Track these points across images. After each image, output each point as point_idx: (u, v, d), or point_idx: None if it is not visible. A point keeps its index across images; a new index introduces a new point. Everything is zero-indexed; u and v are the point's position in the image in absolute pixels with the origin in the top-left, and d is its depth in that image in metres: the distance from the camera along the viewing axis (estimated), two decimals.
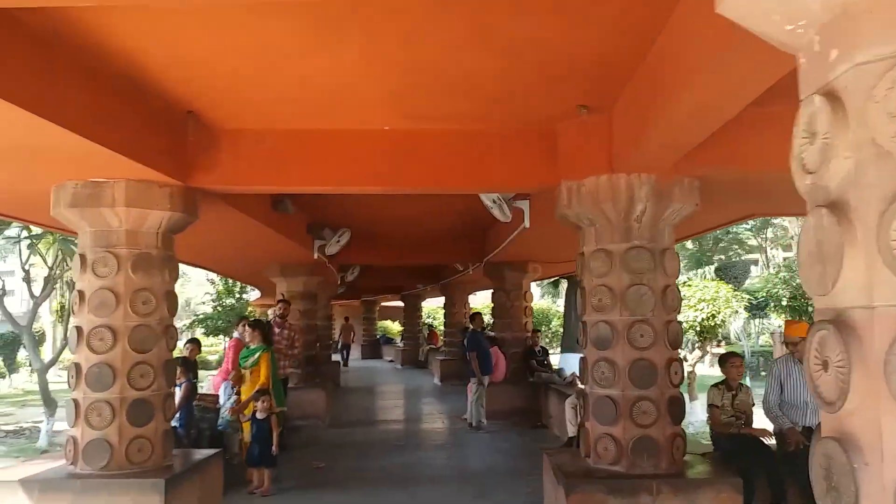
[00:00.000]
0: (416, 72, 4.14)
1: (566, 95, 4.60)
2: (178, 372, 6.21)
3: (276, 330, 8.84)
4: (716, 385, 5.66)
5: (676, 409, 4.89)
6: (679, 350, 5.00)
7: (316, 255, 10.31)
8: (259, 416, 6.38)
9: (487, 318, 15.74)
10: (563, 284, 21.63)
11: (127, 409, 4.90)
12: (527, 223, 7.04)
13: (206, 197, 5.48)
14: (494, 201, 6.98)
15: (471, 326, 11.14)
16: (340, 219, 10.03)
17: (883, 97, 1.42)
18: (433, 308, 34.01)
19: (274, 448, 6.35)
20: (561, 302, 26.14)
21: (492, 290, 12.11)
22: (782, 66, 2.71)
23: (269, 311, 19.20)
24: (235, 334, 8.30)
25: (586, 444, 5.03)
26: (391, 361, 27.16)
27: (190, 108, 4.76)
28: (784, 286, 16.28)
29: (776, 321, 19.55)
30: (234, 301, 21.63)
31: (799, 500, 5.00)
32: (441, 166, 5.20)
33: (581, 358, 5.24)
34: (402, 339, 27.05)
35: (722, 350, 15.84)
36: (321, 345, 14.97)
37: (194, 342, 7.69)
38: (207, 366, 23.13)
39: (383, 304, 33.51)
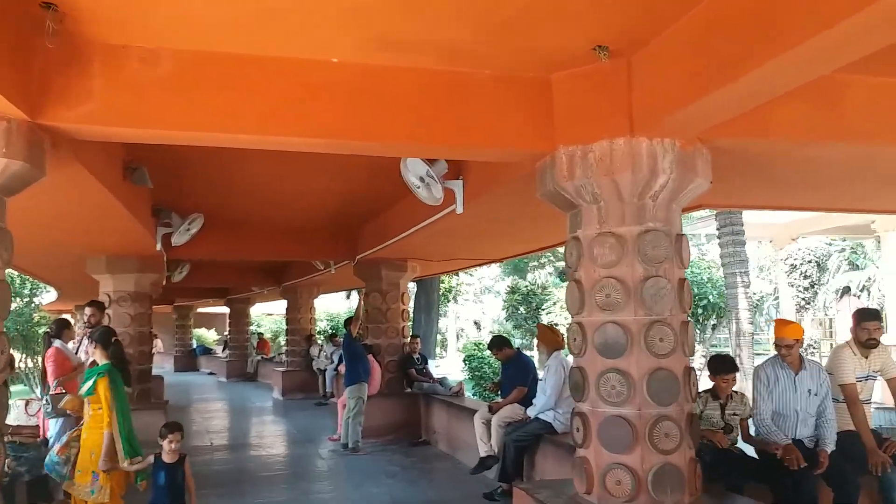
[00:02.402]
0: None
1: (584, 32, 3.57)
2: None
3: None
4: (699, 393, 4.92)
5: (695, 429, 4.04)
6: (692, 357, 4.15)
7: (159, 247, 8.33)
8: (167, 458, 4.56)
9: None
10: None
11: None
12: (459, 208, 5.91)
13: (54, 145, 3.69)
14: (423, 179, 5.75)
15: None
16: (190, 202, 8.16)
17: None
18: (258, 315, 31.52)
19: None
20: None
21: (364, 292, 10.77)
22: None
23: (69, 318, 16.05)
24: (57, 343, 6.18)
25: (588, 476, 4.00)
26: (212, 374, 24.39)
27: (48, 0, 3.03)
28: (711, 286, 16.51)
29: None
30: (21, 304, 17.85)
31: None
32: (408, 117, 3.89)
33: (574, 368, 4.21)
34: (224, 349, 24.34)
35: None
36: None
37: None
38: None
39: (199, 309, 30.29)
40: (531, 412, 6.59)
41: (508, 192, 5.47)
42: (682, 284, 4.04)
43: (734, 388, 4.96)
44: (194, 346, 28.69)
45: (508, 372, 7.49)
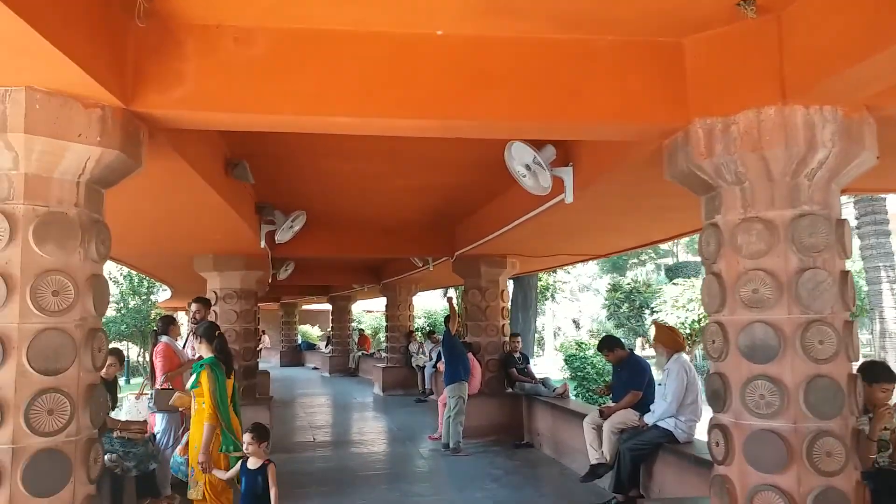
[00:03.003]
0: None
1: None
2: None
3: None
4: None
5: (863, 447, 3.44)
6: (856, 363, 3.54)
7: (263, 244, 8.33)
8: (249, 464, 4.41)
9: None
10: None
11: (24, 469, 2.91)
12: (569, 197, 5.47)
13: (151, 136, 3.56)
14: (529, 167, 5.34)
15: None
16: (292, 199, 8.10)
17: None
18: (359, 311, 32.04)
19: None
20: None
21: (463, 289, 10.47)
22: None
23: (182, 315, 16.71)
24: (165, 339, 6.21)
25: (731, 498, 3.47)
26: (316, 369, 24.95)
27: None
28: None
29: None
30: (139, 302, 18.79)
31: None
32: (518, 91, 3.50)
33: (713, 375, 3.69)
34: (327, 345, 24.84)
35: None
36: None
37: (115, 354, 5.57)
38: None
39: (304, 306, 31.15)
40: (649, 419, 6.05)
41: (625, 177, 4.99)
42: (845, 278, 3.44)
43: None
44: (299, 341, 29.49)
45: (621, 375, 6.96)
